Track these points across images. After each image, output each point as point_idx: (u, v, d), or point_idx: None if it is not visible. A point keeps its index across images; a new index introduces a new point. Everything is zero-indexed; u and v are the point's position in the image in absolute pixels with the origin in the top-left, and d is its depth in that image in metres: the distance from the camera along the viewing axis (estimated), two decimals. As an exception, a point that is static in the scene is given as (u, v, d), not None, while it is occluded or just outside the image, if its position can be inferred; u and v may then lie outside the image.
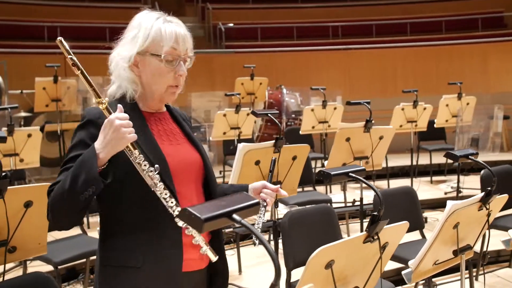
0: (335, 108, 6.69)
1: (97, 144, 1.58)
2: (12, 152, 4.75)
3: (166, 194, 1.64)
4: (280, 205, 4.67)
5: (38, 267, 4.26)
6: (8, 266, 2.40)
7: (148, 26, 1.77)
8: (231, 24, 12.91)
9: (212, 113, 8.12)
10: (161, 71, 1.76)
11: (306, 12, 13.78)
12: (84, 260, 3.88)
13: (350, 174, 1.98)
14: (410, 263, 2.54)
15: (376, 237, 1.94)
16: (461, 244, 2.64)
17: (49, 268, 3.77)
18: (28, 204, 2.36)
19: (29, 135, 4.89)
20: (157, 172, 1.63)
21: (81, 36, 11.40)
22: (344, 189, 6.40)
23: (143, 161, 1.61)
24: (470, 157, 2.72)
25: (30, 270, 4.17)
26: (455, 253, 2.63)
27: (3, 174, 2.18)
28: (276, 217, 3.69)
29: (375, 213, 1.90)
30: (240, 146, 3.31)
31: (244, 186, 1.99)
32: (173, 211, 1.65)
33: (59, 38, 1.60)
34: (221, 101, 8.53)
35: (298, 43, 12.26)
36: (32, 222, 2.42)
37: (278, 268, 1.10)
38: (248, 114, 6.36)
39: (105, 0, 13.44)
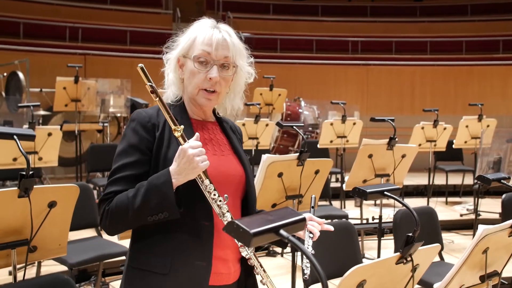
0: (354, 123, 6.64)
1: (171, 169, 1.59)
2: (31, 150, 4.74)
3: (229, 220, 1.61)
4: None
5: (51, 266, 4.24)
6: (21, 264, 2.36)
7: (192, 29, 1.82)
8: (251, 34, 12.91)
9: (230, 122, 8.08)
10: (193, 72, 1.76)
11: (327, 25, 13.78)
12: (97, 262, 3.85)
13: (385, 192, 1.93)
14: (436, 286, 2.48)
15: (409, 258, 1.88)
16: (489, 270, 2.57)
17: (62, 268, 3.74)
18: (52, 204, 2.33)
19: (50, 134, 4.88)
20: (226, 201, 1.63)
21: (102, 38, 11.46)
22: (359, 205, 6.34)
23: (213, 190, 1.62)
24: (502, 181, 2.66)
25: (43, 269, 4.15)
26: (482, 278, 2.56)
27: (31, 173, 2.15)
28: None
29: (410, 234, 1.85)
30: (264, 157, 3.27)
31: None
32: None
33: (140, 65, 1.63)
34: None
35: (317, 56, 12.25)
36: (55, 223, 2.40)
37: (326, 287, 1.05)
38: (267, 125, 6.32)
39: (127, 4, 13.52)
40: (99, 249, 3.77)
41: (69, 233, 2.62)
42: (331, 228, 1.90)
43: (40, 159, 4.86)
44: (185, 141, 1.61)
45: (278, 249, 5.28)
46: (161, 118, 1.72)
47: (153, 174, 1.64)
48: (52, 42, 10.54)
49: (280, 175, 3.39)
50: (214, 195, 1.61)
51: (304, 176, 3.47)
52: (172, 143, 1.69)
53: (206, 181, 1.61)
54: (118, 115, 8.11)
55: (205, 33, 1.78)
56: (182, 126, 1.62)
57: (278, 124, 3.78)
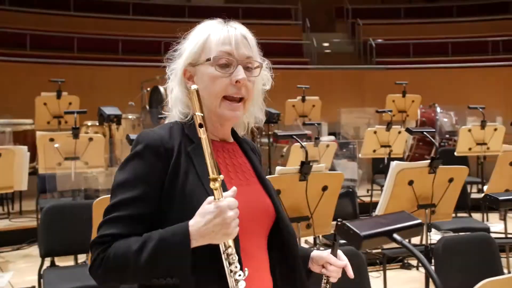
0: (495, 129, 6.19)
1: (192, 227, 1.26)
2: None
3: None
4: (433, 230, 4.41)
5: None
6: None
7: (198, 32, 1.49)
8: (382, 40, 12.63)
9: (362, 130, 7.98)
10: (213, 77, 1.43)
11: (463, 26, 13.05)
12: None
13: (522, 200, 1.78)
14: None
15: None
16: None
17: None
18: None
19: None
20: (245, 276, 1.29)
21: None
22: (504, 218, 5.87)
23: (236, 261, 1.28)
24: None
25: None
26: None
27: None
28: (428, 242, 3.48)
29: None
30: (393, 164, 3.18)
31: (309, 254, 1.59)
32: None
33: (194, 86, 1.30)
34: (371, 118, 8.36)
35: (453, 59, 11.65)
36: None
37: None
38: (399, 132, 6.15)
39: (258, 17, 13.93)
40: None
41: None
42: (352, 276, 1.53)
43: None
44: (220, 195, 1.26)
45: (413, 262, 5.08)
46: (175, 140, 1.39)
47: (163, 213, 1.34)
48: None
49: (410, 183, 3.27)
50: (235, 267, 1.28)
51: (437, 185, 3.31)
52: (190, 174, 1.36)
53: (231, 250, 1.28)
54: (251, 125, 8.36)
55: (219, 31, 1.46)
56: (222, 176, 1.26)
57: (407, 130, 3.66)
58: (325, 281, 1.53)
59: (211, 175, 1.24)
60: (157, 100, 8.39)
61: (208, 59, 1.43)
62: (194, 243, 1.26)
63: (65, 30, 10.92)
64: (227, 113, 1.43)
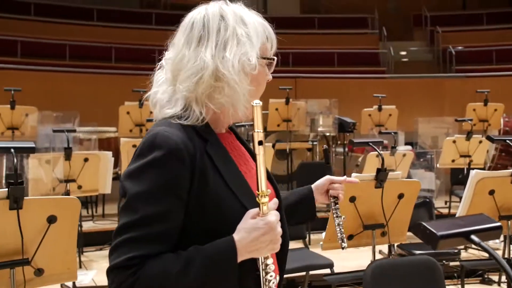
0: None
1: (240, 243, 1.21)
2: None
3: None
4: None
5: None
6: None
7: (252, 21, 1.36)
8: (462, 47, 12.24)
9: (440, 139, 7.77)
10: (265, 78, 1.39)
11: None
12: (304, 273, 4.02)
13: None
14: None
15: None
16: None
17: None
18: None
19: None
20: (276, 282, 1.29)
21: (311, 61, 11.98)
22: None
23: (272, 270, 1.27)
24: None
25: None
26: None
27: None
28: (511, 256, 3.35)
29: None
30: (473, 172, 3.11)
31: (307, 188, 1.68)
32: None
33: (257, 101, 1.24)
34: (450, 127, 8.12)
35: (541, 66, 11.08)
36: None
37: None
38: (480, 142, 5.94)
39: (334, 27, 13.92)
40: (305, 259, 3.94)
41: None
42: (356, 180, 1.74)
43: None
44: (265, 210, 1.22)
45: (494, 277, 4.88)
46: (196, 142, 1.27)
47: (191, 222, 1.25)
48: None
49: (491, 192, 3.19)
50: (271, 276, 1.26)
51: (519, 195, 3.20)
52: (217, 179, 1.27)
53: (270, 261, 1.26)
54: (327, 134, 8.37)
55: (270, 28, 1.41)
56: (269, 191, 1.23)
57: (488, 137, 3.57)
58: (334, 202, 1.64)
59: (262, 191, 1.21)
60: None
61: (271, 59, 1.38)
62: (240, 258, 1.22)
63: (147, 43, 11.41)
64: None
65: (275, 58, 1.39)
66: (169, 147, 1.21)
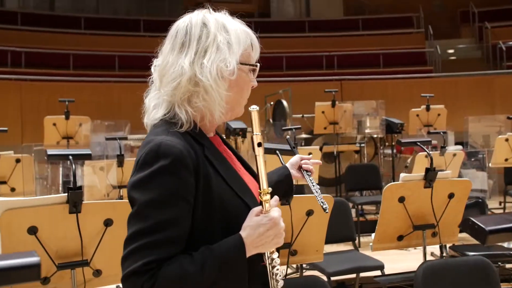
0: None
1: (247, 240, 1.28)
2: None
3: None
4: None
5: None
6: (283, 265, 2.66)
7: (234, 28, 1.41)
8: (515, 43, 11.88)
9: (492, 138, 7.56)
10: (249, 83, 1.45)
11: None
12: (354, 275, 4.00)
13: None
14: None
15: None
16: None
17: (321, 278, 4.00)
18: (309, 213, 2.58)
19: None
20: (282, 276, 1.38)
21: (356, 63, 11.89)
22: None
23: (278, 264, 1.36)
24: None
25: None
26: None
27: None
28: None
29: None
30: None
31: (283, 167, 1.93)
32: None
33: (255, 107, 1.34)
34: (502, 125, 7.90)
35: None
36: (313, 230, 2.64)
37: None
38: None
39: (378, 28, 13.77)
40: (355, 261, 3.93)
41: (327, 246, 2.82)
42: (319, 162, 2.05)
43: (301, 177, 5.31)
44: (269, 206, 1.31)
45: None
46: (197, 149, 1.33)
47: (199, 224, 1.31)
48: (311, 71, 11.38)
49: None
50: (277, 269, 1.34)
51: None
52: (219, 181, 1.34)
53: (275, 255, 1.35)
54: (374, 136, 8.29)
55: (254, 36, 1.46)
56: (270, 189, 1.32)
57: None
58: (309, 175, 1.93)
59: (264, 189, 1.30)
60: (280, 113, 8.64)
61: (253, 65, 1.44)
62: (248, 254, 1.29)
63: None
64: (241, 112, 1.47)
65: (258, 64, 1.45)
66: (174, 155, 1.26)
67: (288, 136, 2.21)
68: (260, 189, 1.31)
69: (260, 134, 1.31)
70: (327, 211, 1.78)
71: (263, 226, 1.28)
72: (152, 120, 1.40)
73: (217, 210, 1.31)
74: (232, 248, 1.27)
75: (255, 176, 1.48)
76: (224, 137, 1.55)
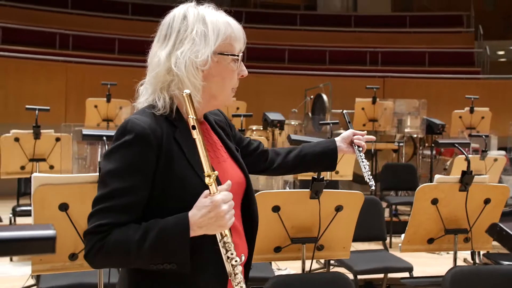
0: None
1: (191, 218, 1.35)
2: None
3: (240, 283, 1.40)
4: None
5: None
6: (308, 259, 2.64)
7: (214, 20, 1.47)
8: None
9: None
10: (232, 73, 1.50)
11: None
12: (382, 275, 3.95)
13: None
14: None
15: None
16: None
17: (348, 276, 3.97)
18: (338, 208, 2.54)
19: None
20: (241, 262, 1.44)
21: (401, 60, 11.68)
22: None
23: (232, 248, 1.39)
24: None
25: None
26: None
27: (321, 177, 2.40)
28: None
29: None
30: None
31: (331, 140, 1.95)
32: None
33: (187, 91, 1.38)
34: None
35: None
36: (340, 226, 2.61)
37: None
38: None
39: (427, 26, 13.47)
40: (384, 261, 3.88)
41: (356, 244, 2.78)
42: (373, 138, 2.07)
43: (337, 172, 5.26)
44: (215, 190, 1.36)
45: None
46: (163, 128, 1.43)
47: (156, 197, 1.41)
48: (353, 67, 11.24)
49: None
50: (232, 253, 1.38)
51: None
52: (181, 160, 1.43)
53: (228, 239, 1.38)
54: (414, 135, 8.14)
55: (236, 26, 1.51)
56: (217, 172, 1.36)
57: None
58: (359, 150, 1.95)
59: (206, 172, 1.34)
60: (320, 108, 8.58)
61: (234, 55, 1.49)
62: (192, 233, 1.35)
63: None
64: (231, 100, 1.57)
65: (238, 55, 1.50)
66: (137, 131, 1.38)
67: (345, 111, 2.21)
68: (203, 172, 1.35)
69: (195, 117, 1.35)
70: (372, 187, 1.84)
71: (205, 208, 1.34)
72: (138, 103, 1.52)
73: (175, 187, 1.40)
74: (176, 224, 1.35)
75: (242, 169, 1.59)
76: (216, 126, 1.62)
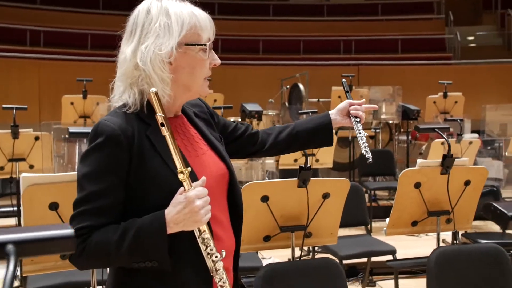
0: None
1: (167, 216, 1.36)
2: (310, 152, 5.23)
3: (223, 279, 1.41)
4: None
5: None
6: (298, 247, 2.70)
7: (177, 11, 1.46)
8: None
9: (509, 127, 7.51)
10: (202, 62, 1.48)
11: None
12: (366, 259, 4.03)
13: None
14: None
15: None
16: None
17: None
18: (326, 196, 2.59)
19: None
20: (222, 257, 1.41)
21: (374, 48, 11.79)
22: None
23: (212, 244, 1.39)
24: None
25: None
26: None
27: (308, 166, 2.45)
28: None
29: None
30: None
31: (324, 114, 1.85)
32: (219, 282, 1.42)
33: (154, 90, 1.37)
34: (520, 114, 7.83)
35: None
36: (328, 213, 2.66)
37: None
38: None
39: (397, 13, 13.61)
40: (368, 245, 3.96)
41: (339, 230, 2.85)
42: (376, 107, 1.98)
43: (317, 160, 5.32)
44: (189, 186, 1.36)
45: None
46: (134, 127, 1.43)
47: (133, 196, 1.42)
48: (328, 55, 11.32)
49: None
50: (211, 249, 1.39)
51: None
52: (154, 157, 1.42)
53: (206, 234, 1.39)
54: (390, 121, 8.26)
55: (202, 15, 1.49)
56: (190, 169, 1.36)
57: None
58: (356, 121, 1.81)
59: (179, 169, 1.34)
60: (296, 97, 8.63)
61: (202, 45, 1.47)
62: (169, 230, 1.36)
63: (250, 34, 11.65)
64: (206, 90, 1.53)
65: (205, 44, 1.47)
66: (107, 133, 1.39)
67: (344, 80, 2.08)
68: (176, 168, 1.35)
69: (163, 115, 1.35)
70: (370, 160, 1.74)
71: (180, 204, 1.35)
72: (113, 101, 1.51)
73: (149, 185, 1.40)
74: (152, 220, 1.36)
75: (224, 160, 1.57)
76: (194, 118, 1.60)
